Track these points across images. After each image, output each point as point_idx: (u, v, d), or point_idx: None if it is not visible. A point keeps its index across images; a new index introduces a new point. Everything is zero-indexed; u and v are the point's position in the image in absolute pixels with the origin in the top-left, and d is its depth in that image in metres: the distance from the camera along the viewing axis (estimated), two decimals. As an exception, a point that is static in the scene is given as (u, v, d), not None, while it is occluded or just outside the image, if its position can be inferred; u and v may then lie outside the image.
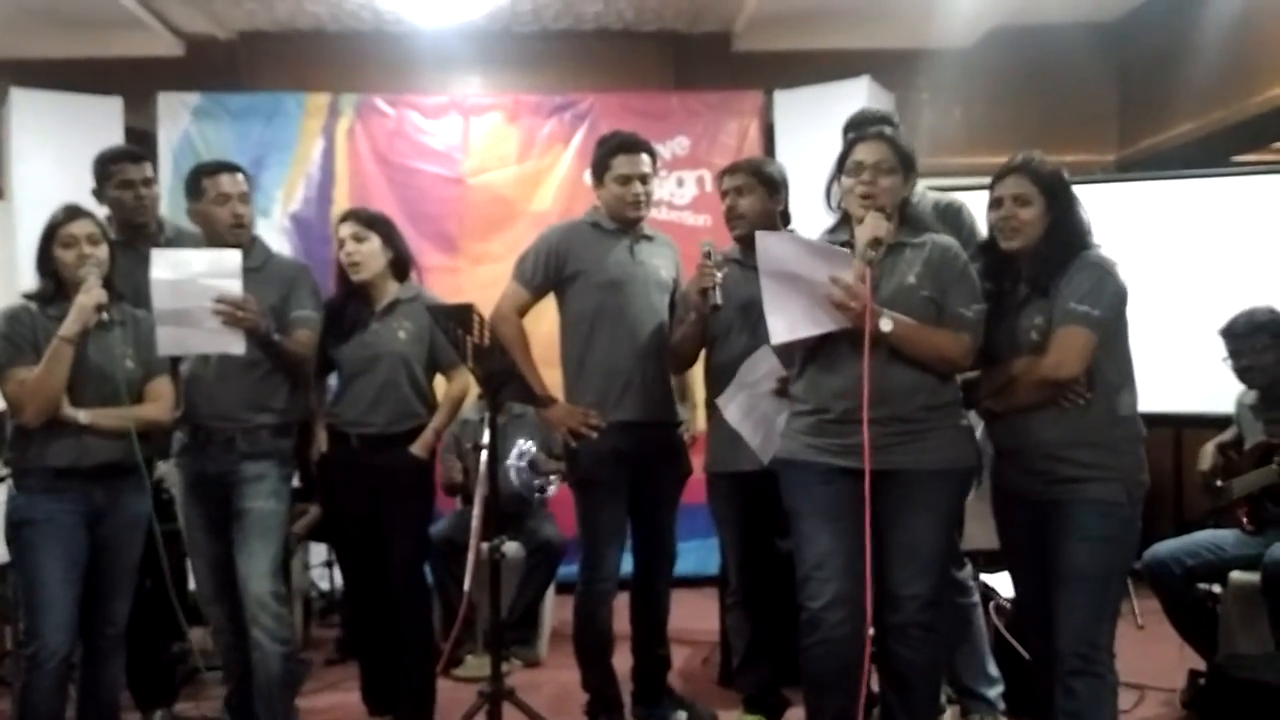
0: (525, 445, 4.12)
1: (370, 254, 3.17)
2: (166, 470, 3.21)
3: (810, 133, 5.25)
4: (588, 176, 5.32)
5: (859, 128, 3.10)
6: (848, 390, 2.53)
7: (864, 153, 2.61)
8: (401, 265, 3.25)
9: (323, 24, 5.49)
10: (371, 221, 3.22)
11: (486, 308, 3.47)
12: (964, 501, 2.82)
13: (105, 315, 2.77)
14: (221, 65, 5.57)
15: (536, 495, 4.17)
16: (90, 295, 2.74)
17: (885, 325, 2.48)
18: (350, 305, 3.22)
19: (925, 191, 3.03)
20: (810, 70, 5.51)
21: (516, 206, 5.48)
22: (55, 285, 2.82)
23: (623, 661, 3.34)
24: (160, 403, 2.91)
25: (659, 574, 3.36)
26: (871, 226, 2.52)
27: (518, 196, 5.48)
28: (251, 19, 5.42)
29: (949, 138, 5.67)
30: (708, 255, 3.01)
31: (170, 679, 3.63)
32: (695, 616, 4.06)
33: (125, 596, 2.91)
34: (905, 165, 2.62)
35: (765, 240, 2.57)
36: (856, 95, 5.20)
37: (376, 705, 3.39)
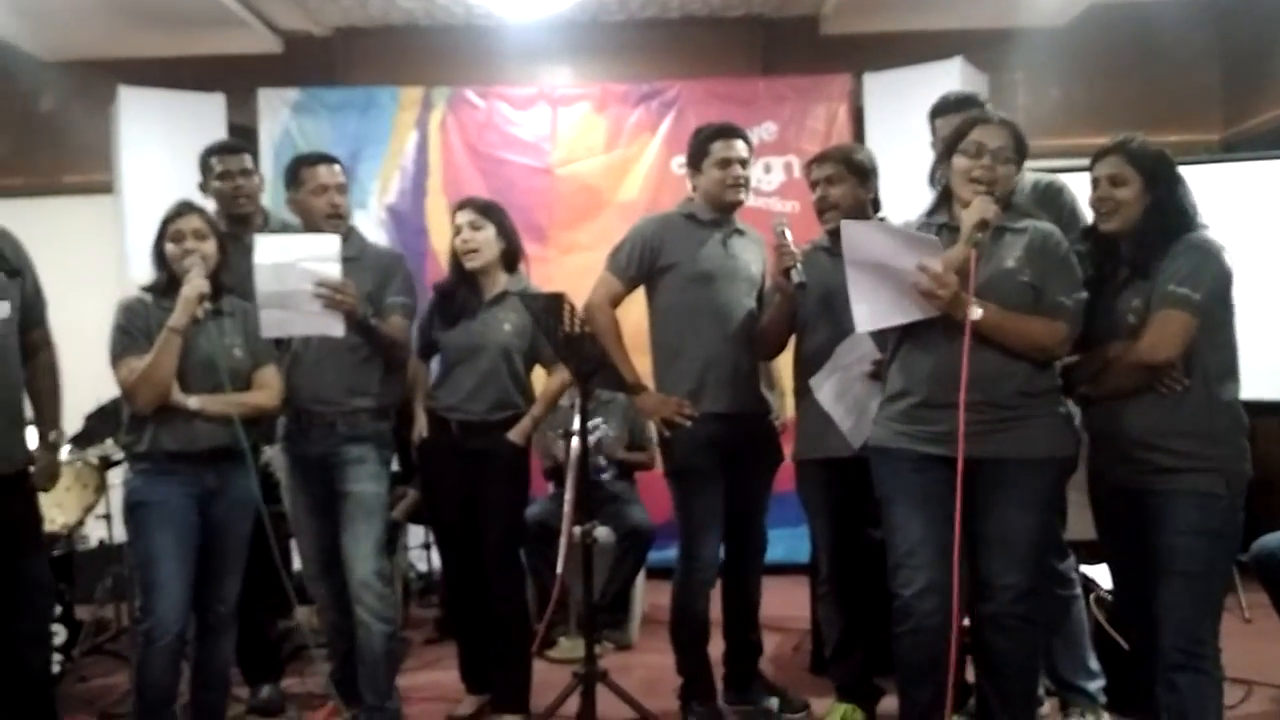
0: (599, 425, 4.17)
1: (485, 242, 3.24)
2: (273, 454, 3.32)
3: (901, 116, 5.14)
4: (675, 164, 5.47)
5: (945, 112, 3.07)
6: (937, 375, 2.52)
7: (986, 136, 2.56)
8: (512, 256, 3.31)
9: (415, 19, 5.59)
10: (487, 210, 3.29)
11: (576, 297, 3.51)
12: (1063, 490, 2.77)
13: (207, 306, 2.87)
14: (318, 61, 5.71)
15: (598, 472, 4.22)
16: (193, 287, 2.85)
17: (975, 313, 2.45)
18: (460, 292, 3.29)
19: (1023, 172, 2.98)
20: (901, 52, 5.42)
21: (604, 196, 5.51)
22: (168, 277, 2.94)
23: (714, 647, 3.36)
24: (268, 390, 3.01)
25: (751, 561, 3.38)
26: (980, 209, 2.49)
27: (605, 186, 5.52)
28: (347, 15, 5.54)
29: (1045, 119, 5.51)
30: (782, 234, 3.02)
31: (277, 655, 3.77)
32: (785, 604, 4.06)
33: (235, 575, 3.02)
34: (1020, 155, 2.59)
35: (851, 229, 2.56)
36: (949, 77, 5.09)
37: (474, 684, 3.46)
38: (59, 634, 3.36)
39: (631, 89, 5.57)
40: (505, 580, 3.29)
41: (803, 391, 3.18)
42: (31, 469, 2.91)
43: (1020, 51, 5.54)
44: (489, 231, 3.25)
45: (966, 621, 2.69)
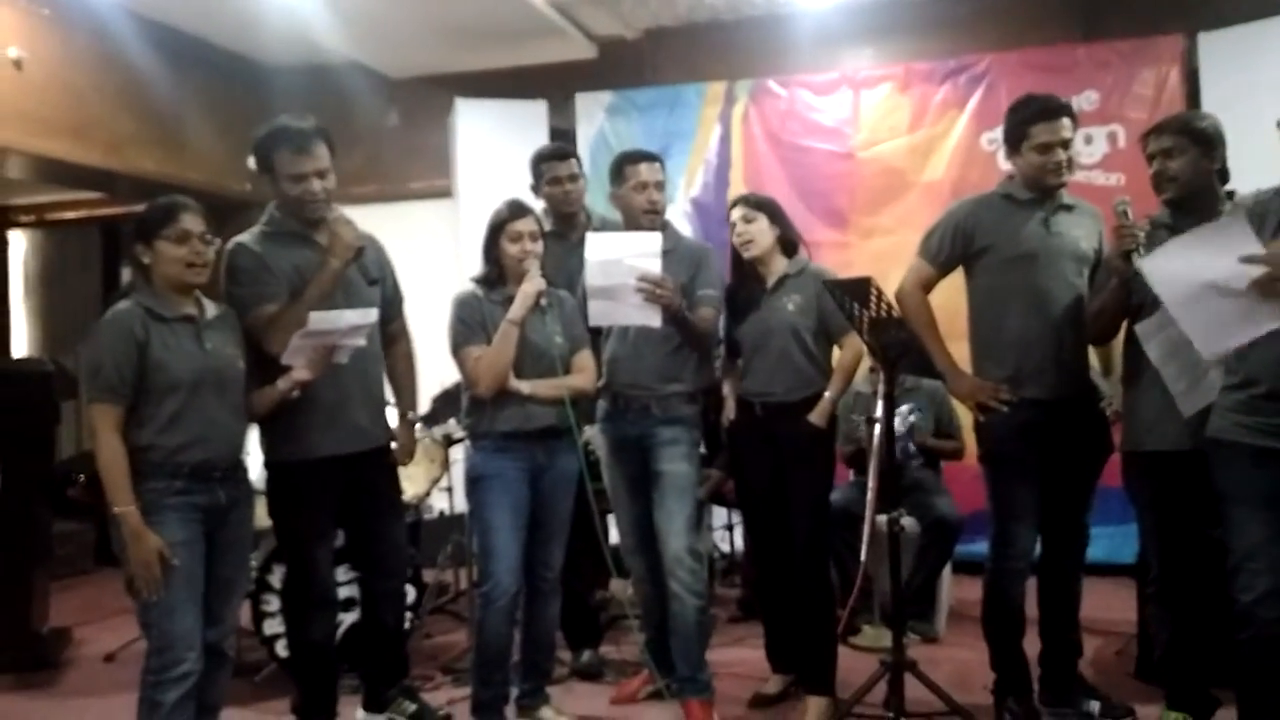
0: (909, 411, 4.11)
1: (759, 232, 3.33)
2: (592, 434, 3.55)
3: (1242, 77, 4.74)
4: (985, 141, 5.28)
5: None
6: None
7: None
8: (789, 242, 3.38)
9: (719, 14, 5.75)
10: (759, 204, 3.39)
11: (878, 281, 3.50)
12: None
13: (544, 302, 3.14)
14: (630, 63, 6.01)
15: (907, 459, 4.17)
16: (533, 284, 3.11)
17: None
18: (744, 287, 3.39)
19: None
20: (1241, 6, 4.92)
21: (908, 177, 5.42)
22: (498, 272, 3.21)
23: (1030, 647, 3.24)
24: (586, 373, 3.24)
25: (1071, 555, 3.22)
26: None
27: (909, 167, 5.43)
28: (655, 17, 5.79)
29: None
30: (1124, 214, 2.84)
31: (596, 623, 4.05)
32: (1106, 606, 3.85)
33: (560, 544, 3.27)
34: None
35: (1149, 268, 2.40)
36: (1299, 31, 4.60)
37: (780, 663, 3.54)
38: (410, 594, 3.71)
39: (937, 66, 5.43)
40: (812, 561, 3.33)
41: (1133, 379, 2.99)
42: (393, 445, 3.29)
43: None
44: (761, 222, 3.33)
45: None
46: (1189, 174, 2.87)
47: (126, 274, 2.77)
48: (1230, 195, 2.96)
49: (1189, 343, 2.51)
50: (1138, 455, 2.99)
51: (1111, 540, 4.09)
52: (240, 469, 2.81)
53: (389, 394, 3.34)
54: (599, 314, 3.20)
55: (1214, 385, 2.62)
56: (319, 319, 2.82)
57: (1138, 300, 2.89)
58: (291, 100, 5.95)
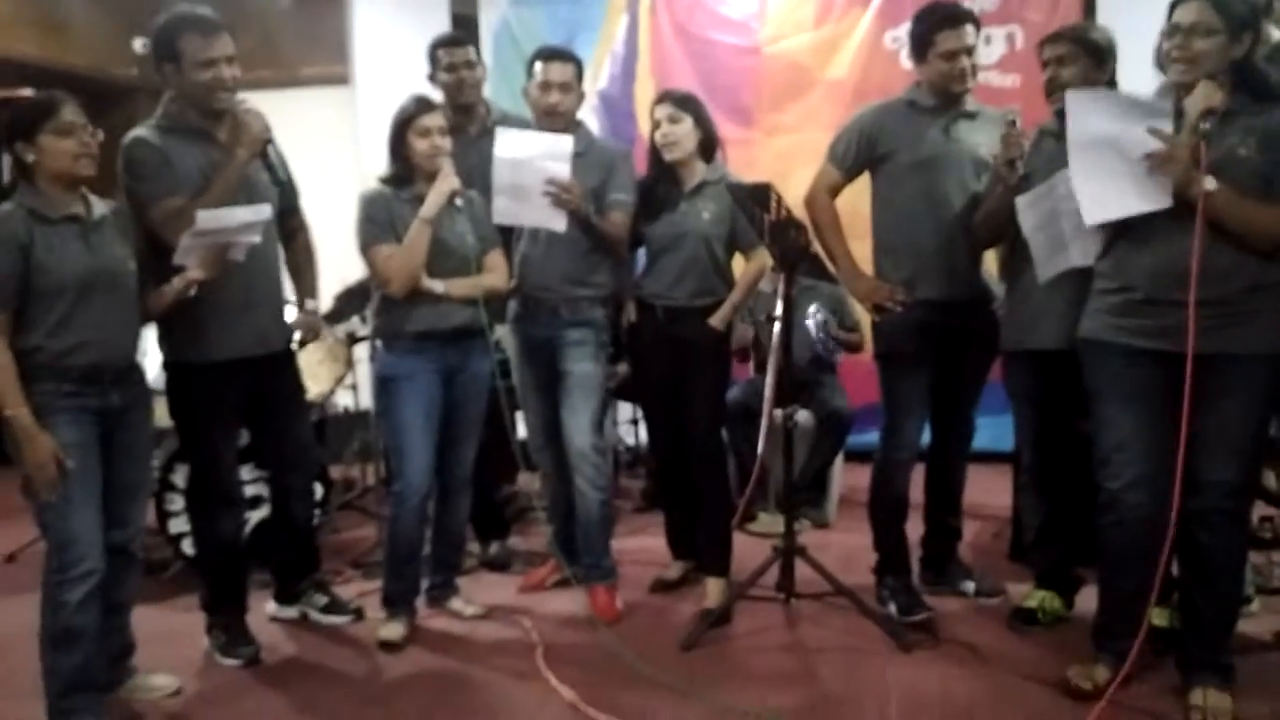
0: (816, 310, 4.23)
1: (684, 134, 3.31)
2: (503, 333, 3.57)
3: (1138, -16, 4.83)
4: (889, 39, 5.32)
5: None
6: (1159, 269, 2.45)
7: (1180, 13, 2.44)
8: (709, 146, 3.38)
9: (625, -101, 5.56)
10: (684, 102, 3.35)
11: (781, 178, 3.54)
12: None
13: (459, 202, 3.11)
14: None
15: (830, 355, 4.30)
16: (447, 182, 3.08)
17: (1209, 184, 2.34)
18: (660, 185, 3.39)
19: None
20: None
21: (813, 74, 5.44)
22: (406, 169, 3.15)
23: (912, 530, 3.45)
24: (498, 272, 3.24)
25: (956, 448, 3.44)
26: (1203, 96, 2.38)
27: (814, 64, 5.44)
28: (559, -101, 5.58)
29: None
30: (1012, 124, 2.94)
31: (503, 516, 4.15)
32: (986, 492, 4.07)
33: (472, 443, 3.32)
34: (1233, 25, 2.40)
35: (1077, 98, 2.48)
36: (1196, -65, 4.69)
37: (680, 550, 3.70)
38: (317, 491, 3.71)
39: (844, -39, 5.40)
40: (708, 456, 3.45)
41: (1013, 281, 3.14)
42: (295, 337, 3.25)
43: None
44: (686, 124, 3.31)
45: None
46: (1079, 83, 2.96)
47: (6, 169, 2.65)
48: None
49: (1059, 215, 2.71)
50: (1017, 354, 3.16)
51: (992, 430, 4.29)
52: (135, 371, 2.76)
53: (290, 292, 3.30)
54: (503, 212, 3.20)
55: (1069, 259, 2.78)
56: (208, 217, 2.74)
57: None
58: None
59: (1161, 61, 2.54)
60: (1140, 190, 2.42)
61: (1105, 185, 2.45)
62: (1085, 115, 2.46)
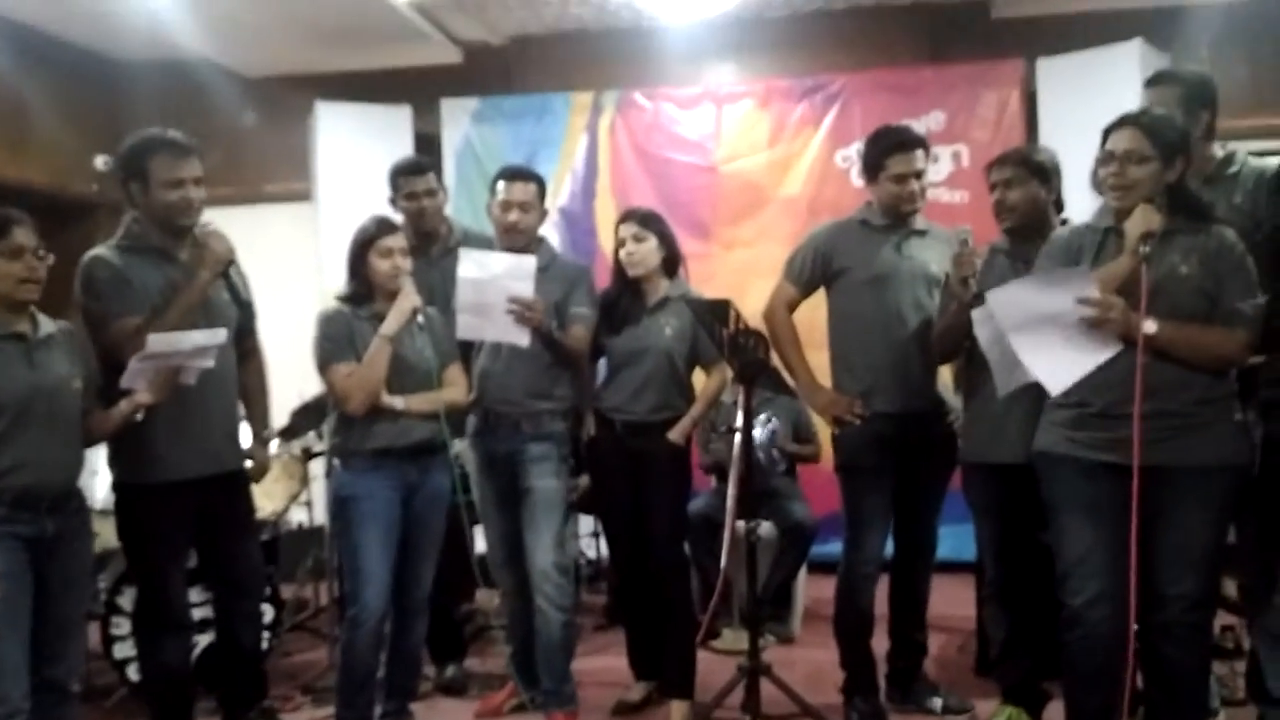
0: (767, 419, 4.24)
1: (648, 252, 3.37)
2: (462, 448, 3.54)
3: (1077, 102, 5.00)
4: (839, 158, 5.48)
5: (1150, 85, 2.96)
6: (1111, 383, 2.49)
7: (1114, 140, 2.54)
8: (672, 262, 3.44)
9: (586, 24, 5.74)
10: (648, 220, 3.42)
11: (738, 291, 3.60)
12: (1237, 500, 2.69)
13: (420, 320, 3.12)
14: (495, 70, 5.96)
15: (773, 467, 4.29)
16: (409, 300, 3.09)
17: (1149, 327, 2.41)
18: (623, 299, 3.43)
19: (1246, 159, 2.87)
20: (1077, 35, 5.27)
21: (767, 192, 5.59)
22: (366, 288, 3.15)
23: (878, 644, 3.41)
24: (458, 386, 3.23)
25: (919, 561, 3.42)
26: (1142, 220, 2.46)
27: (768, 182, 5.60)
28: (522, 24, 5.75)
29: (1234, 99, 5.22)
30: (964, 243, 3.02)
31: (461, 637, 4.03)
32: (951, 602, 4.05)
33: (431, 563, 3.25)
34: (1166, 151, 2.50)
35: (995, 299, 2.57)
36: (1128, 59, 4.93)
37: (642, 670, 3.61)
38: (267, 613, 3.62)
39: (795, 84, 5.61)
40: (670, 572, 3.42)
41: (971, 394, 3.18)
42: (248, 464, 3.22)
43: (1206, 29, 5.25)
44: (650, 242, 3.38)
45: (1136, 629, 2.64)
46: (1027, 204, 3.07)
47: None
48: (1064, 223, 3.17)
49: (1004, 334, 2.71)
50: (977, 466, 3.18)
51: (955, 539, 4.29)
52: (74, 498, 2.68)
53: (242, 412, 3.26)
54: (467, 328, 3.22)
55: (1026, 374, 2.81)
56: (159, 340, 2.71)
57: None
58: (144, 97, 5.73)
59: (1098, 185, 2.64)
60: (1088, 350, 2.48)
61: (1055, 357, 2.52)
62: (1010, 307, 2.54)
